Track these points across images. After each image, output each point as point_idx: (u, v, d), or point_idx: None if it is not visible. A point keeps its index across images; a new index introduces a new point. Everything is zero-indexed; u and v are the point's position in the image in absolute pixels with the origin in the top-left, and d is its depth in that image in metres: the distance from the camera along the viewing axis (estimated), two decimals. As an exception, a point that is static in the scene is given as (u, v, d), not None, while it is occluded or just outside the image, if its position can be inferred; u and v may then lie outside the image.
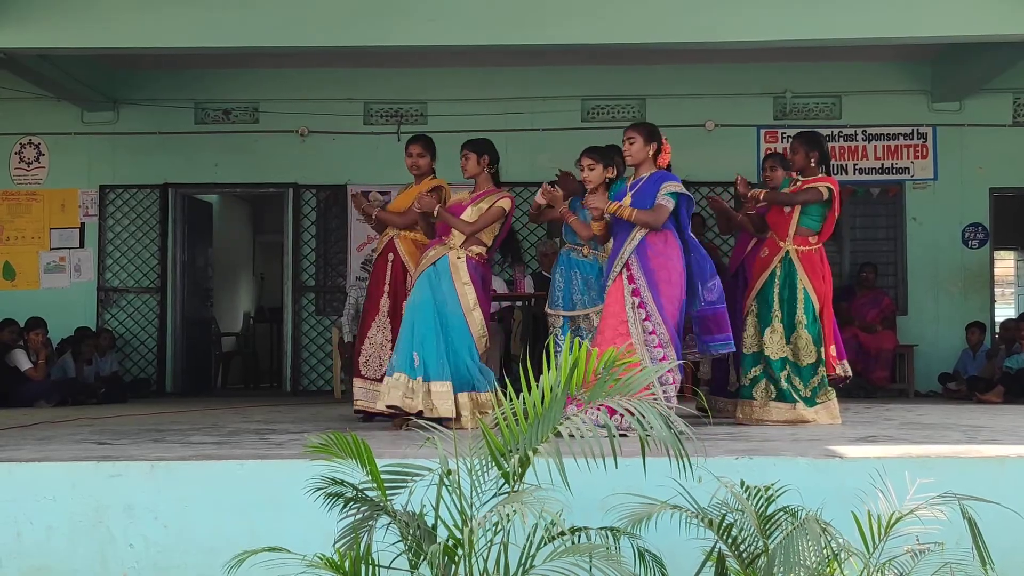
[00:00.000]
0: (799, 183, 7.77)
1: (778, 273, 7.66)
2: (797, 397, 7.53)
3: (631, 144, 6.95)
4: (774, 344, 7.61)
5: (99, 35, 9.79)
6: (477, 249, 7.46)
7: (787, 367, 7.57)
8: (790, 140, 8.06)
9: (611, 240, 7.20)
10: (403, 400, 7.11)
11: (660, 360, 6.63)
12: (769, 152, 8.51)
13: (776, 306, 7.63)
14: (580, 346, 3.89)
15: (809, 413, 7.50)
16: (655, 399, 6.33)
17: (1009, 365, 11.03)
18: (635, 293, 6.77)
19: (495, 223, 7.50)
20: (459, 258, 7.38)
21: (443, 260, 7.37)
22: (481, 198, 7.49)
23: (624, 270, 6.82)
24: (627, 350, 6.32)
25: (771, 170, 8.21)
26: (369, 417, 7.90)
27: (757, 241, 8.01)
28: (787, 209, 7.70)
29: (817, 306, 7.65)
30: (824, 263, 7.80)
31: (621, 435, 4.16)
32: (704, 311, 6.96)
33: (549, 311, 7.69)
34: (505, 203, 7.47)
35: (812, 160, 7.73)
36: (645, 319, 6.74)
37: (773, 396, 7.59)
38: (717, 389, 8.29)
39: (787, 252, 7.68)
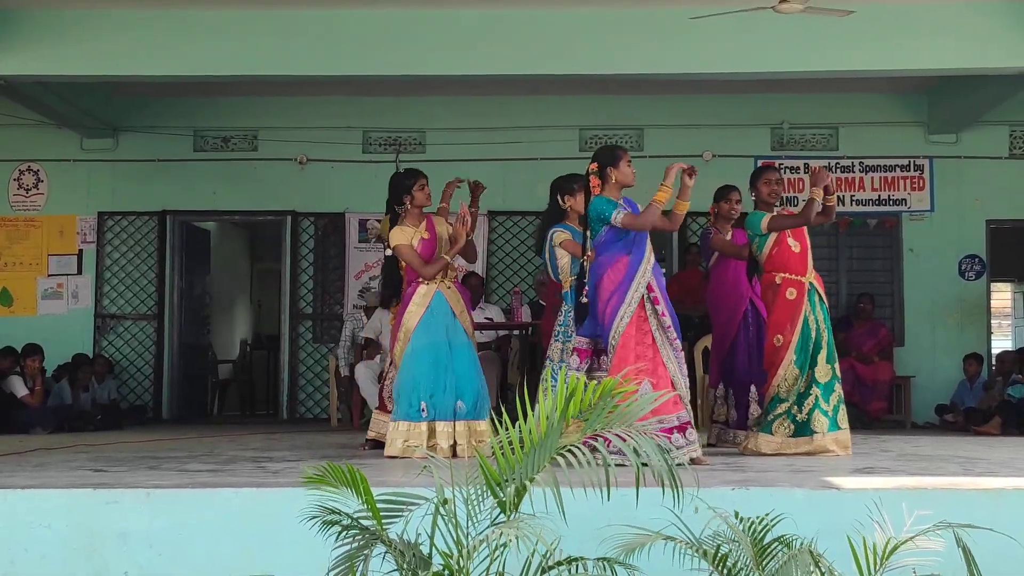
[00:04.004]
0: (775, 213, 7.72)
1: (809, 312, 7.57)
2: (817, 428, 7.45)
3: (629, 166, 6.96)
4: (798, 377, 7.55)
5: (98, 63, 9.86)
6: (454, 273, 7.68)
7: (812, 391, 7.50)
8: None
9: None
10: (404, 447, 7.24)
11: (684, 375, 6.75)
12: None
13: (811, 344, 7.55)
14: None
15: (828, 441, 7.43)
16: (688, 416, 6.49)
17: (1011, 394, 11.00)
18: (662, 315, 6.72)
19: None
20: (449, 287, 7.52)
21: (437, 297, 7.44)
22: (433, 223, 7.63)
23: (647, 292, 6.73)
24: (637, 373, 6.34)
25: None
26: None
27: (767, 281, 7.90)
28: (794, 248, 7.62)
29: None
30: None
31: (619, 465, 4.15)
32: None
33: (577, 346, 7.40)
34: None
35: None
36: (675, 339, 6.75)
37: (791, 433, 7.50)
38: (739, 424, 8.17)
39: (811, 284, 7.64)
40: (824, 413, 7.44)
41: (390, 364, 8.01)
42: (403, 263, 7.63)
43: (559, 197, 7.57)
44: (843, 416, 7.55)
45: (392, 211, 7.87)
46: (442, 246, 7.55)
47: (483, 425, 7.34)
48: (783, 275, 7.60)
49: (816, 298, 7.60)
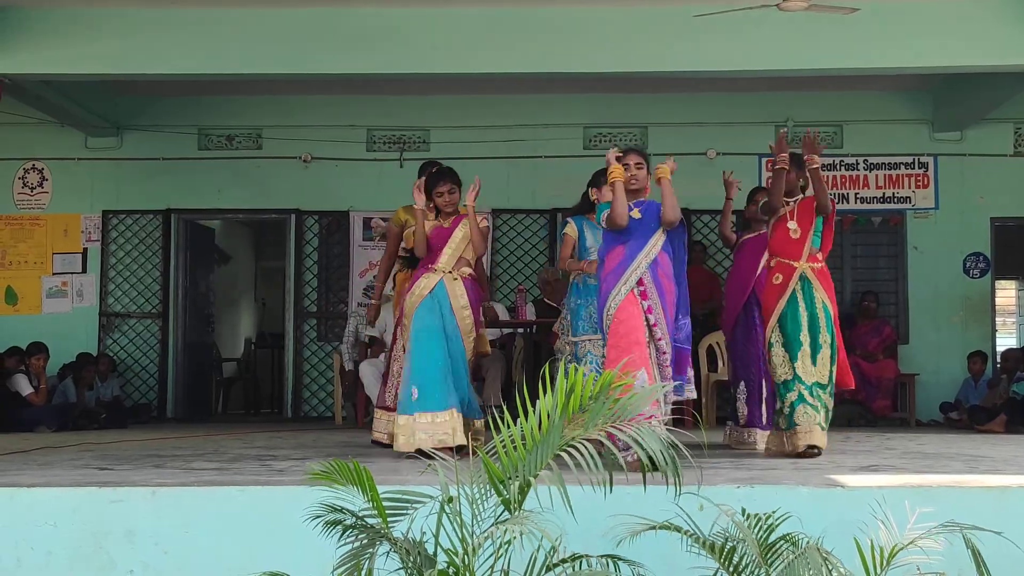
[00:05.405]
0: (789, 204, 7.63)
1: (799, 295, 7.48)
2: (800, 421, 7.37)
3: (640, 169, 6.85)
4: (806, 368, 7.44)
5: (103, 62, 9.87)
6: (467, 270, 7.51)
7: (818, 390, 7.40)
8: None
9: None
10: (405, 442, 7.13)
11: (667, 377, 6.62)
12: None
13: (805, 330, 7.45)
14: (576, 371, 3.88)
15: (816, 437, 7.36)
16: (660, 421, 6.33)
17: (1016, 391, 11.00)
18: (649, 311, 6.61)
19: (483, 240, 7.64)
20: (455, 279, 7.41)
21: (439, 286, 7.39)
22: (460, 221, 7.48)
23: (637, 285, 6.64)
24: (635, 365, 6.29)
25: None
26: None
27: (762, 269, 7.88)
28: (794, 234, 7.54)
29: (835, 322, 7.55)
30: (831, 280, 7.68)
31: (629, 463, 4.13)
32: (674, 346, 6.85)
33: (572, 338, 7.46)
34: (486, 222, 7.60)
35: (801, 180, 7.66)
36: (659, 339, 6.64)
37: (817, 421, 7.38)
38: (751, 421, 8.11)
39: (803, 272, 7.51)
40: (815, 409, 7.29)
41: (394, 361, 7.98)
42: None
43: (589, 189, 7.58)
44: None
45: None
46: (455, 244, 7.48)
47: (478, 423, 7.32)
48: (776, 259, 7.54)
49: (812, 288, 7.49)
